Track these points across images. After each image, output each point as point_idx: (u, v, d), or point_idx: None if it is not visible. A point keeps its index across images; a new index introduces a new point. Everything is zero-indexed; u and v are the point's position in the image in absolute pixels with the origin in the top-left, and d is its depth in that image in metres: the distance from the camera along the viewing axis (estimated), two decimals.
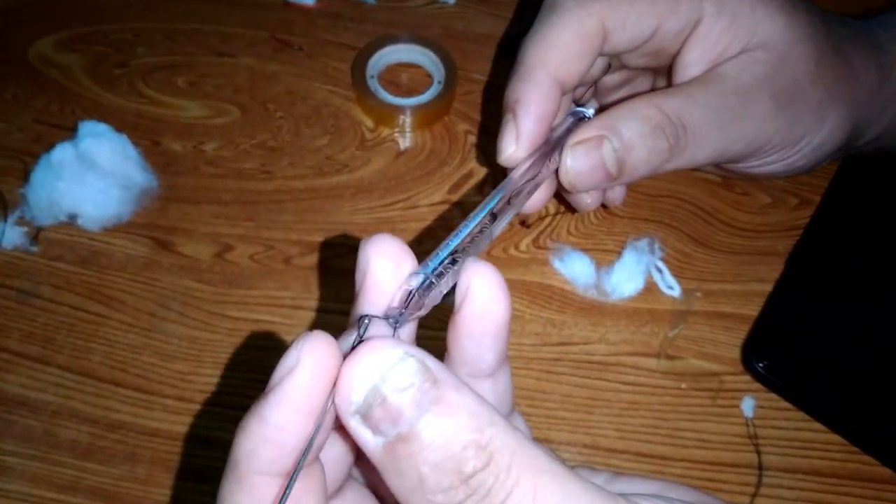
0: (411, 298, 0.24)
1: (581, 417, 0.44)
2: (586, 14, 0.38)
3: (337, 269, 0.49)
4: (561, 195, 0.44)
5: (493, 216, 0.30)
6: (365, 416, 0.20)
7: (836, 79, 0.41)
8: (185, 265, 0.49)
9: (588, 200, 0.44)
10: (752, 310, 0.48)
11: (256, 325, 0.47)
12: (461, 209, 0.52)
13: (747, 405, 0.45)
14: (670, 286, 0.49)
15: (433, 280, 0.24)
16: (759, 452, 0.43)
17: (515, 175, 0.35)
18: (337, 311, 0.47)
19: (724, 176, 0.50)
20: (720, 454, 0.44)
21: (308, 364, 0.20)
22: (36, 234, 0.49)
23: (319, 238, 0.50)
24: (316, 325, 0.47)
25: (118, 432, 0.43)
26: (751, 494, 0.42)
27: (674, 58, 0.41)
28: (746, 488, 0.42)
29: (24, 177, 0.50)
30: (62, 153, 0.48)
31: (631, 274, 0.48)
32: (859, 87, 0.42)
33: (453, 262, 0.25)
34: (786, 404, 0.45)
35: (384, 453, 0.20)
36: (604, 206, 0.47)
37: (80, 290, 0.48)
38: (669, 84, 0.42)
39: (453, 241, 0.27)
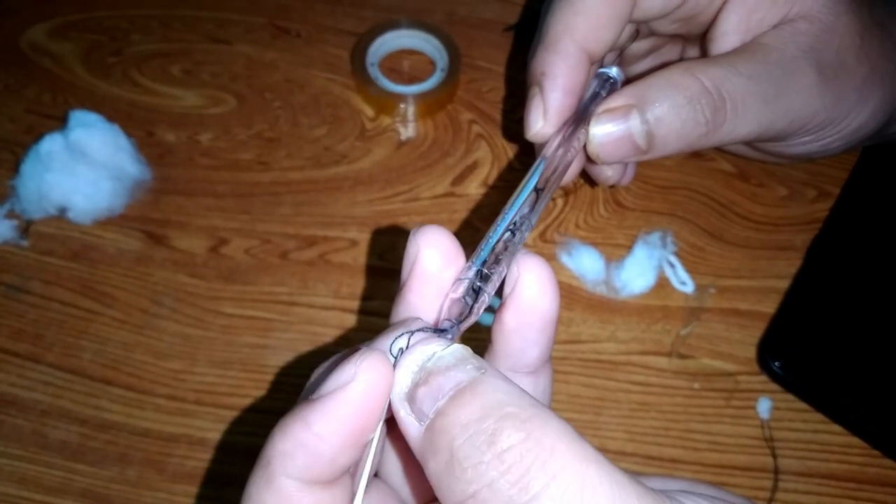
0: (467, 308, 0.24)
1: (589, 419, 0.43)
2: None
3: (335, 264, 0.48)
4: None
5: (531, 204, 0.29)
6: (410, 398, 0.21)
7: (881, 56, 0.40)
8: (178, 259, 0.47)
9: (609, 173, 0.42)
10: (769, 307, 0.47)
11: (252, 322, 0.45)
12: (465, 202, 0.50)
13: (763, 406, 0.44)
14: (683, 282, 0.47)
15: (479, 285, 0.24)
16: (774, 456, 0.42)
17: (548, 152, 0.33)
18: (336, 308, 0.46)
19: (752, 158, 0.48)
20: (734, 457, 0.42)
21: (363, 381, 0.20)
22: (26, 228, 0.48)
23: (317, 232, 0.49)
24: (313, 322, 0.46)
25: (109, 432, 0.42)
26: (766, 499, 0.41)
27: (708, 25, 0.39)
28: (761, 493, 0.41)
29: (15, 169, 0.49)
30: (51, 144, 0.47)
31: (642, 269, 0.47)
32: None
33: (497, 261, 0.25)
34: (803, 405, 0.44)
35: (424, 437, 0.20)
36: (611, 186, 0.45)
37: (70, 285, 0.46)
38: (702, 53, 0.41)
39: (494, 237, 0.26)
